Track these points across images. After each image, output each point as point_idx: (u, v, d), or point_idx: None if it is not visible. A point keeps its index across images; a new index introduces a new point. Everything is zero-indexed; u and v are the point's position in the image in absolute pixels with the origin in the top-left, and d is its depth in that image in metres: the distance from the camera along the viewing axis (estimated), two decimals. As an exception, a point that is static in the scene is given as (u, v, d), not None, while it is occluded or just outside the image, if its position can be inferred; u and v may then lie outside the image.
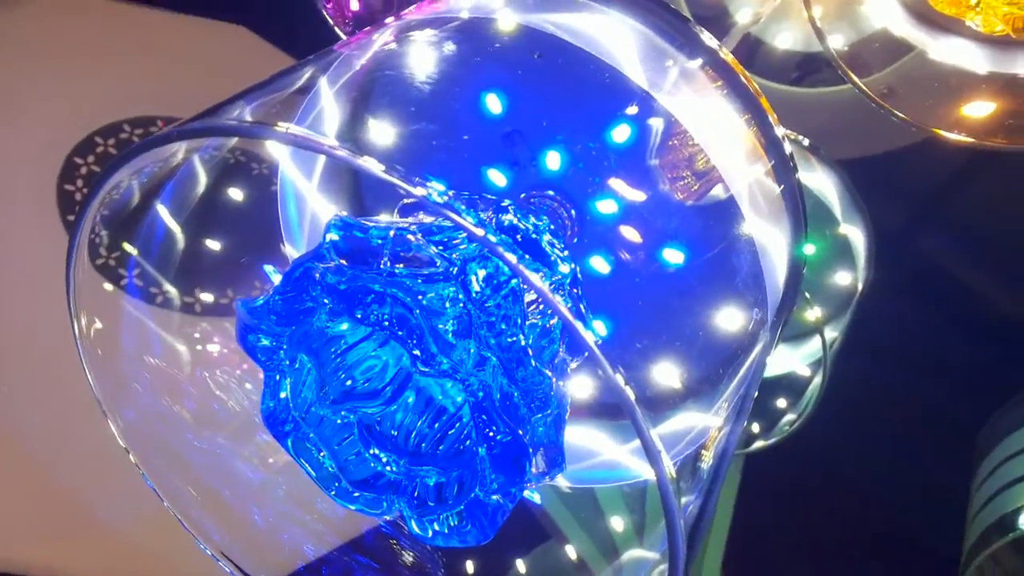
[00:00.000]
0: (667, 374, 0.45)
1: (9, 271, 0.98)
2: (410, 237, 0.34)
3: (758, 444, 0.98)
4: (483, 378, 0.35)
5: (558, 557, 0.57)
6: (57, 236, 1.00)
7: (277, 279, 0.48)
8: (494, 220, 0.41)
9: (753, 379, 0.41)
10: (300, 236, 0.53)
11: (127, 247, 0.44)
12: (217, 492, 0.46)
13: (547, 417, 0.38)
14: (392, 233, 0.34)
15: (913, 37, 0.71)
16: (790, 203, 0.43)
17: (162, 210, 0.46)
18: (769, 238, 0.42)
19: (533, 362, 0.35)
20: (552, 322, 0.39)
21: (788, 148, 0.44)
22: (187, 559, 0.90)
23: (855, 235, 0.97)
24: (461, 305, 0.35)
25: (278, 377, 0.41)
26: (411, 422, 0.41)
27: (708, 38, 0.42)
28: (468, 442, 0.40)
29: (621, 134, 0.44)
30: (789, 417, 0.98)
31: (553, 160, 0.47)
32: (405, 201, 0.41)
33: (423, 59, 0.45)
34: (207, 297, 0.48)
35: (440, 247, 0.37)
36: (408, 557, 0.48)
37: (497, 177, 0.48)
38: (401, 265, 0.36)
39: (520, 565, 0.52)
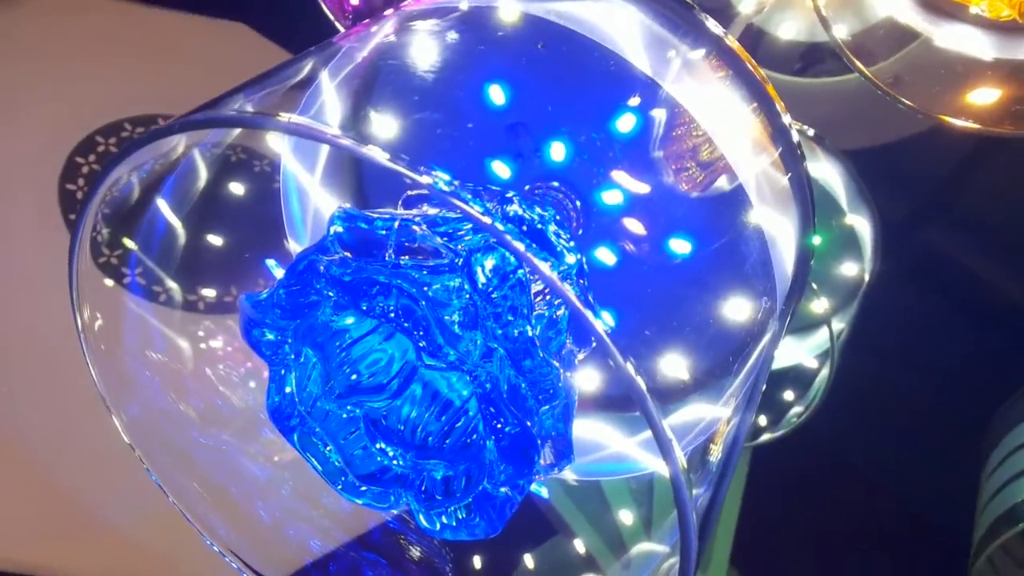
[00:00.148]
0: (675, 365, 0.45)
1: (11, 271, 0.98)
2: (415, 228, 0.34)
3: (765, 436, 0.98)
4: (490, 369, 0.34)
5: (566, 552, 0.57)
6: (59, 235, 1.00)
7: (280, 273, 0.48)
8: (499, 211, 0.41)
9: (762, 368, 0.41)
10: (303, 231, 0.53)
11: (128, 242, 0.43)
12: (223, 489, 0.46)
13: (555, 409, 0.37)
14: (397, 224, 0.34)
15: (918, 24, 0.70)
16: (798, 191, 0.43)
17: (163, 206, 0.46)
18: (777, 226, 0.42)
19: (540, 353, 0.35)
20: (559, 313, 0.39)
21: (796, 136, 0.43)
22: (190, 558, 0.90)
23: (861, 225, 0.96)
24: (467, 296, 0.35)
25: (283, 372, 0.40)
26: (417, 416, 0.41)
27: (713, 25, 0.42)
28: (475, 436, 0.40)
29: (626, 123, 0.44)
30: (796, 409, 0.97)
31: (557, 151, 0.46)
32: (409, 193, 0.41)
33: (424, 50, 0.45)
34: (209, 293, 0.48)
35: (445, 238, 0.36)
36: (416, 552, 0.48)
37: (501, 169, 0.48)
38: (406, 257, 0.35)
39: (528, 560, 0.52)
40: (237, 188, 0.51)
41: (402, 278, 0.33)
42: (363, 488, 0.40)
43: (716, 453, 0.41)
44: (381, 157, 0.25)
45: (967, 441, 1.25)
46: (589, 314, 0.26)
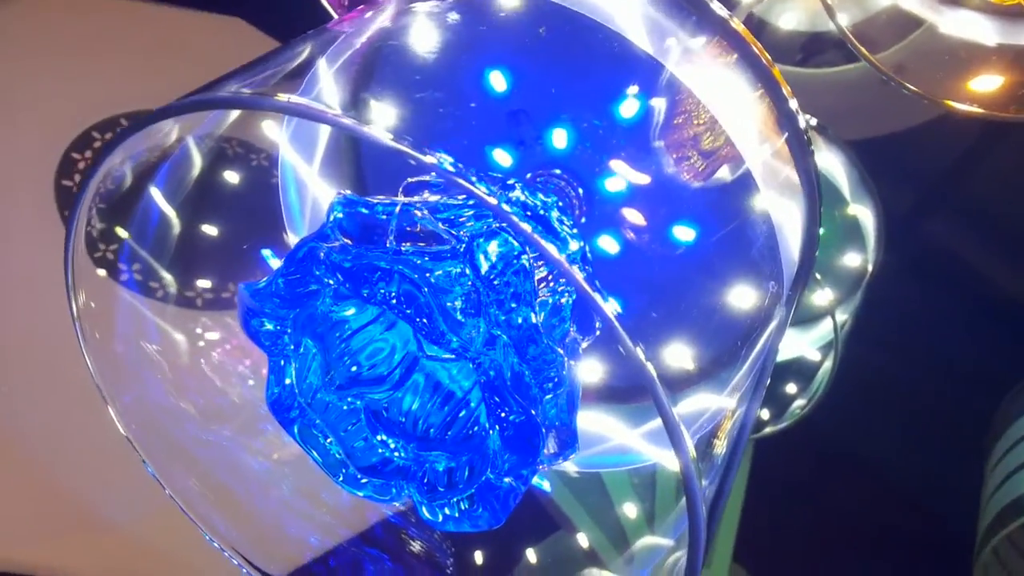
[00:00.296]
0: (680, 354, 0.44)
1: (8, 267, 0.98)
2: (416, 212, 0.33)
3: (768, 429, 0.97)
4: (493, 357, 0.34)
5: (568, 546, 0.57)
6: (56, 232, 0.99)
7: (276, 264, 0.47)
8: (502, 196, 0.40)
9: (768, 357, 0.40)
10: (302, 223, 0.52)
11: (120, 231, 0.43)
12: (222, 484, 0.45)
13: (558, 398, 0.37)
14: (398, 209, 0.33)
15: (922, 12, 0.70)
16: (804, 177, 0.42)
17: (157, 195, 0.45)
18: (783, 212, 0.41)
19: (544, 340, 0.34)
20: (563, 300, 0.38)
21: (803, 122, 0.43)
22: (190, 558, 0.89)
23: (864, 215, 0.96)
24: (469, 283, 0.34)
25: (282, 363, 0.40)
26: (419, 407, 0.40)
27: (718, 7, 0.41)
28: (476, 427, 0.39)
29: (630, 108, 0.43)
30: (800, 402, 0.97)
31: (560, 138, 0.46)
32: (409, 180, 0.40)
33: (425, 36, 0.44)
34: (205, 283, 0.48)
35: (447, 225, 0.36)
36: (417, 547, 0.48)
37: (502, 157, 0.47)
38: (407, 244, 0.35)
39: (531, 554, 0.51)
40: (234, 183, 0.51)
41: (404, 264, 0.32)
42: (364, 480, 0.40)
43: (721, 444, 0.41)
44: (384, 137, 0.25)
45: (971, 433, 1.25)
46: (598, 297, 0.25)
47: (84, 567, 0.91)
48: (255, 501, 0.47)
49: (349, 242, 0.35)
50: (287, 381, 0.40)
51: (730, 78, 0.42)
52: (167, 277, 0.46)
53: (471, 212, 0.37)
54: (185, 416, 0.46)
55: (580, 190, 0.46)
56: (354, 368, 0.40)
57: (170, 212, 0.44)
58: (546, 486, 0.53)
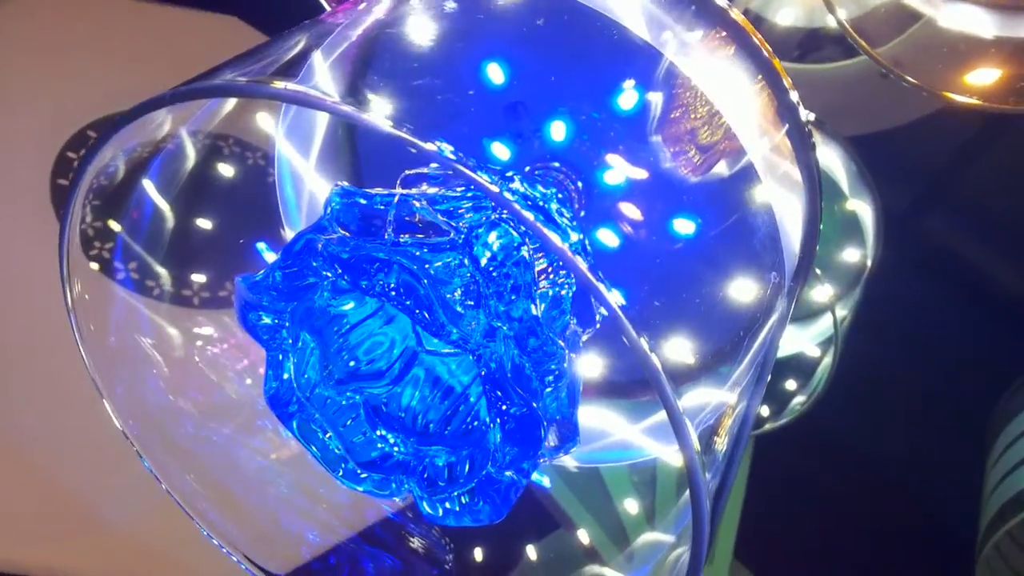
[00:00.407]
0: (683, 347, 0.44)
1: (5, 267, 0.97)
2: (415, 203, 0.33)
3: (768, 426, 0.97)
4: (494, 349, 0.33)
5: (569, 544, 0.57)
6: (52, 231, 0.98)
7: (272, 257, 0.47)
8: (503, 186, 0.40)
9: (771, 348, 0.40)
10: (299, 218, 0.52)
11: (112, 224, 0.42)
12: (220, 481, 0.45)
13: (559, 391, 0.36)
14: (396, 199, 0.33)
15: (920, 6, 0.70)
16: (805, 167, 0.42)
17: (155, 195, 0.45)
18: (784, 202, 0.41)
19: (545, 331, 0.34)
20: (563, 292, 0.38)
21: (803, 113, 0.42)
22: (189, 558, 0.89)
23: (863, 210, 0.96)
24: (469, 275, 0.34)
25: (280, 357, 0.39)
26: (418, 402, 0.40)
27: (717, -3, 0.41)
28: (476, 422, 0.39)
29: (629, 100, 0.43)
30: (799, 398, 0.96)
31: (558, 130, 0.45)
32: (407, 172, 0.40)
33: (420, 27, 0.44)
34: (199, 278, 0.47)
35: (445, 217, 0.35)
36: (417, 545, 0.47)
37: (500, 151, 0.47)
38: (406, 235, 0.34)
39: (531, 552, 0.51)
40: (231, 180, 0.51)
41: (402, 255, 0.32)
42: (364, 475, 0.39)
43: (723, 439, 0.41)
44: (383, 124, 0.24)
45: (971, 428, 1.24)
46: (602, 287, 0.25)
47: (82, 567, 0.91)
48: (253, 498, 0.46)
49: (347, 234, 0.34)
50: (285, 376, 0.40)
51: (730, 69, 0.42)
52: (162, 272, 0.45)
53: (469, 204, 0.37)
54: (183, 413, 0.45)
55: (579, 183, 0.45)
56: (352, 363, 0.40)
57: (165, 207, 0.44)
58: (546, 482, 0.53)
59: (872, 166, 0.98)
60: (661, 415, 0.51)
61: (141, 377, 0.44)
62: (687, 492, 0.43)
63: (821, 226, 0.42)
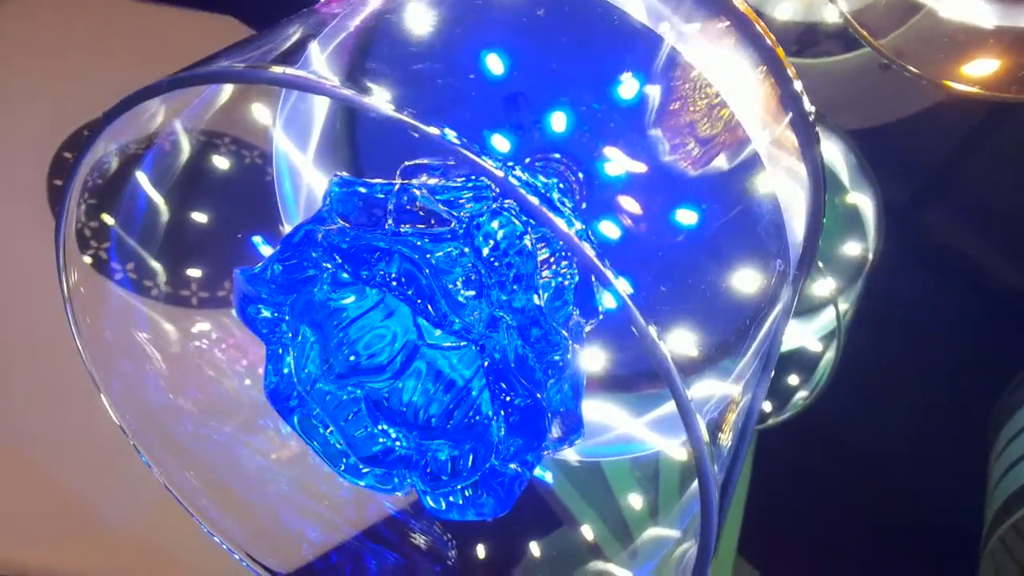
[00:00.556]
0: (687, 338, 0.43)
1: (2, 268, 0.97)
2: (416, 191, 0.32)
3: (771, 421, 0.97)
4: (497, 339, 0.33)
5: (573, 541, 0.56)
6: (49, 232, 0.98)
7: (269, 252, 0.46)
8: (507, 172, 0.39)
9: (775, 338, 0.39)
10: (297, 214, 0.52)
11: (107, 218, 0.42)
12: (220, 479, 0.45)
13: (563, 382, 0.36)
14: (397, 187, 0.32)
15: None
16: (809, 156, 0.42)
17: (154, 194, 0.45)
18: (788, 190, 0.40)
19: (548, 321, 0.33)
20: (566, 282, 0.37)
21: (807, 102, 0.42)
22: (190, 558, 0.88)
23: (864, 203, 0.95)
24: (470, 264, 0.33)
25: (280, 351, 0.39)
26: (420, 396, 0.40)
27: (719, -16, 0.40)
28: (478, 416, 0.38)
29: (631, 89, 0.42)
30: (802, 393, 0.96)
31: (559, 121, 0.45)
32: (406, 163, 0.39)
33: (419, 17, 0.43)
34: (195, 273, 0.47)
35: (446, 207, 0.35)
36: (419, 542, 0.47)
37: (500, 142, 0.46)
38: (407, 226, 0.34)
39: (535, 548, 0.51)
40: (228, 180, 0.50)
41: (403, 244, 0.31)
42: (365, 470, 0.39)
43: (728, 432, 0.40)
44: (385, 108, 0.24)
45: (974, 422, 1.24)
46: (610, 274, 0.24)
47: (82, 568, 0.90)
48: (254, 496, 0.46)
49: (347, 225, 0.34)
50: (285, 370, 0.39)
51: (733, 58, 0.42)
52: (158, 269, 0.45)
53: (470, 194, 0.37)
54: (182, 411, 0.45)
55: (580, 174, 0.45)
56: (352, 357, 0.40)
57: (161, 203, 0.44)
58: (548, 478, 0.52)
59: (872, 159, 0.97)
60: (664, 408, 0.51)
61: (140, 375, 0.44)
62: (692, 487, 0.43)
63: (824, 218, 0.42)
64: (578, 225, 0.37)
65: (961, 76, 0.65)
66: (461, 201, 0.36)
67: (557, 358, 0.34)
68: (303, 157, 0.50)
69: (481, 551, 0.48)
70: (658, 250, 0.44)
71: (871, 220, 0.96)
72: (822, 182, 0.41)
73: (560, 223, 0.24)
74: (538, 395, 0.33)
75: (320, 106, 0.50)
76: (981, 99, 0.64)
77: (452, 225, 0.33)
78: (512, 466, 0.35)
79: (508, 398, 0.33)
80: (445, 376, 0.40)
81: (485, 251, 0.33)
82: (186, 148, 0.45)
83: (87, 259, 0.41)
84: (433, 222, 0.33)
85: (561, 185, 0.42)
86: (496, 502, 0.36)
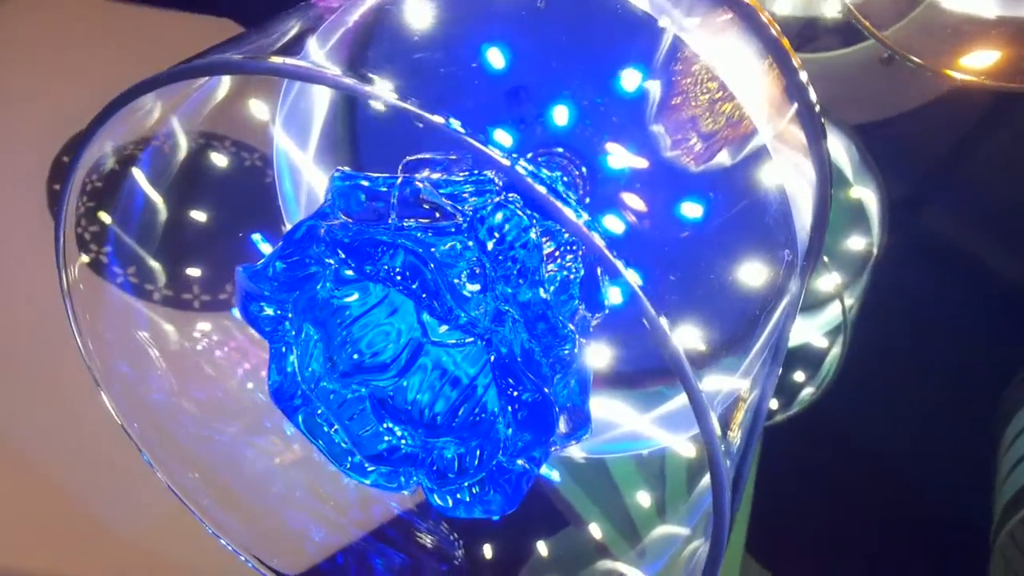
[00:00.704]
0: (695, 331, 0.43)
1: (2, 272, 0.96)
2: (419, 184, 0.32)
3: (778, 418, 0.96)
4: (503, 334, 0.33)
5: (581, 540, 0.56)
6: (49, 236, 0.98)
7: (268, 249, 0.46)
8: (502, 175, 0.39)
9: (784, 330, 0.39)
10: (298, 213, 0.51)
11: (104, 216, 0.42)
12: (223, 479, 0.44)
13: (569, 378, 0.35)
14: (399, 180, 0.32)
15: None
16: (815, 147, 0.41)
17: (153, 193, 0.44)
18: (795, 181, 0.40)
19: (555, 315, 0.33)
20: (571, 276, 0.37)
21: (813, 93, 0.42)
22: (194, 563, 0.88)
23: (868, 197, 0.95)
24: (474, 259, 0.33)
25: (284, 349, 0.38)
26: (425, 394, 0.39)
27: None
28: (483, 414, 0.38)
29: (634, 80, 0.42)
30: (808, 389, 0.96)
31: (561, 115, 0.44)
32: (408, 159, 0.39)
33: (419, 11, 0.43)
34: (198, 276, 0.47)
35: (450, 200, 0.34)
36: (426, 541, 0.47)
37: (502, 138, 0.46)
38: (410, 220, 0.33)
39: (542, 548, 0.50)
40: (228, 182, 0.50)
41: (407, 238, 0.31)
42: (371, 469, 0.38)
43: (737, 428, 0.40)
44: (389, 96, 0.23)
45: (981, 416, 1.23)
46: (620, 264, 0.24)
47: (84, 572, 0.90)
48: (258, 497, 0.46)
49: (349, 220, 0.33)
50: (288, 369, 0.39)
51: (738, 48, 0.41)
52: (157, 267, 0.45)
53: (472, 188, 0.36)
54: (184, 412, 0.45)
55: (583, 169, 0.44)
56: (356, 356, 0.39)
57: (160, 204, 0.43)
58: (555, 476, 0.52)
59: (875, 153, 0.97)
60: (670, 405, 0.50)
61: (142, 376, 0.43)
62: (700, 484, 0.42)
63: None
64: (585, 216, 0.37)
65: (965, 67, 0.65)
66: (464, 195, 0.36)
67: (565, 352, 0.34)
68: (303, 155, 0.50)
69: (488, 551, 0.48)
70: (664, 244, 0.43)
71: (875, 214, 0.95)
72: (828, 172, 0.41)
73: (568, 212, 0.24)
74: (545, 389, 0.32)
75: (320, 104, 0.49)
76: (985, 91, 0.64)
77: (456, 219, 0.33)
78: (520, 462, 0.35)
79: (515, 393, 0.33)
80: (450, 374, 0.40)
81: (490, 245, 0.33)
82: (185, 148, 0.45)
83: (87, 262, 0.41)
84: (438, 215, 0.33)
85: (565, 179, 0.41)
86: (503, 499, 0.35)
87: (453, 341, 0.40)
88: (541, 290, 0.33)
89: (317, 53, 0.41)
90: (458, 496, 0.36)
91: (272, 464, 0.47)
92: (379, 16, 0.43)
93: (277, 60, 0.25)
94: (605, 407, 0.50)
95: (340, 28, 0.42)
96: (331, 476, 0.45)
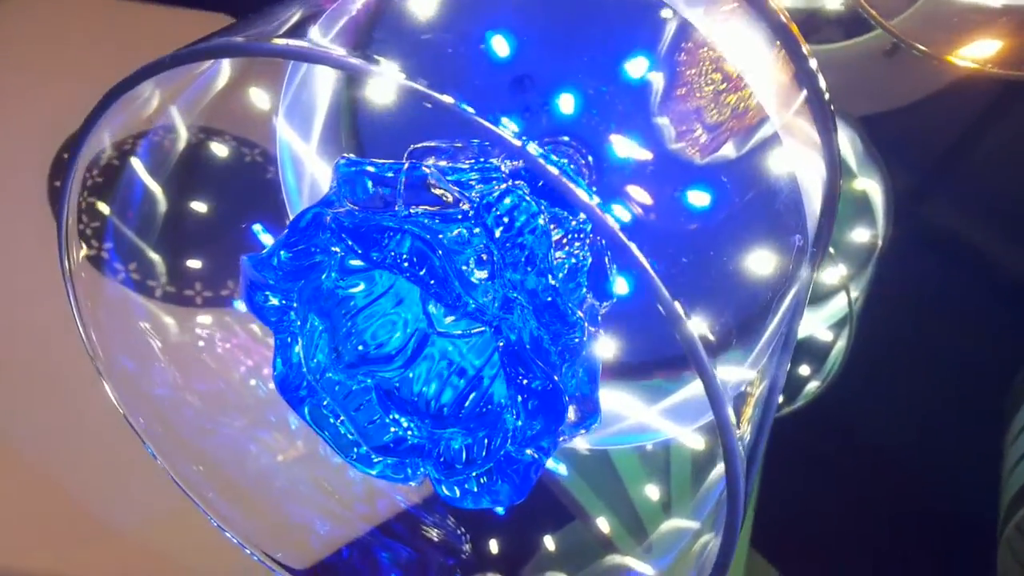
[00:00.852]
0: (705, 320, 0.42)
1: (2, 269, 0.96)
2: (425, 169, 0.32)
3: (784, 411, 0.96)
4: (512, 321, 0.32)
5: (587, 534, 0.55)
6: (50, 233, 0.97)
7: (268, 239, 0.46)
8: (509, 163, 0.39)
9: (795, 317, 0.39)
10: (302, 205, 0.51)
11: (103, 208, 0.41)
12: (228, 474, 0.44)
13: (577, 368, 0.35)
14: (406, 166, 0.32)
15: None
16: (824, 133, 0.41)
17: (155, 186, 0.44)
18: (805, 166, 0.39)
19: (564, 302, 0.32)
20: (579, 263, 0.37)
21: (822, 80, 0.41)
22: (198, 562, 0.88)
23: (872, 189, 0.94)
24: (482, 245, 0.32)
25: (289, 340, 0.38)
26: (431, 385, 0.39)
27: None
28: (490, 405, 0.37)
29: (642, 66, 0.41)
30: (814, 383, 0.95)
31: (567, 103, 0.44)
32: (414, 146, 0.38)
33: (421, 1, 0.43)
34: (196, 266, 0.47)
35: (457, 188, 0.34)
36: (432, 535, 0.46)
37: (508, 126, 0.45)
38: (417, 207, 0.33)
39: (549, 542, 0.50)
40: (230, 175, 0.50)
41: (414, 224, 0.31)
42: (377, 460, 0.38)
43: (748, 421, 0.39)
44: (397, 77, 0.23)
45: (988, 408, 1.23)
46: (634, 247, 0.24)
47: (84, 572, 0.90)
48: (262, 490, 0.45)
49: (355, 208, 0.33)
50: (294, 360, 0.38)
51: (746, 35, 0.41)
52: (157, 259, 0.44)
53: (478, 176, 0.36)
54: (188, 406, 0.44)
55: (589, 157, 0.44)
56: (361, 347, 0.39)
57: (161, 197, 0.43)
58: (562, 469, 0.52)
59: (879, 145, 0.96)
60: (676, 397, 0.50)
61: (145, 371, 0.43)
62: (709, 477, 0.42)
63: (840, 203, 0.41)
64: (597, 199, 0.37)
65: (972, 56, 0.64)
66: (470, 183, 0.35)
67: (574, 340, 0.34)
68: (306, 147, 0.49)
69: (494, 545, 0.47)
70: (673, 232, 0.43)
71: (880, 206, 0.95)
72: (838, 159, 0.41)
73: (581, 193, 0.23)
74: (555, 377, 0.32)
75: (323, 95, 0.49)
76: (989, 82, 0.64)
77: (463, 205, 0.33)
78: (528, 452, 0.34)
79: (525, 381, 0.32)
80: (456, 364, 0.39)
81: (498, 232, 0.32)
82: (185, 140, 0.45)
83: (89, 259, 0.41)
84: (448, 199, 0.32)
85: (572, 167, 0.41)
86: (512, 489, 0.35)
87: (459, 332, 0.39)
88: (550, 277, 0.33)
89: (320, 39, 0.40)
90: (466, 486, 0.35)
91: (277, 457, 0.46)
92: (382, 4, 0.42)
93: (281, 42, 0.24)
94: (611, 398, 0.49)
95: (343, 17, 0.41)
96: (336, 470, 0.45)
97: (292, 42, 0.25)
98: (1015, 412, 1.17)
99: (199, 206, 0.47)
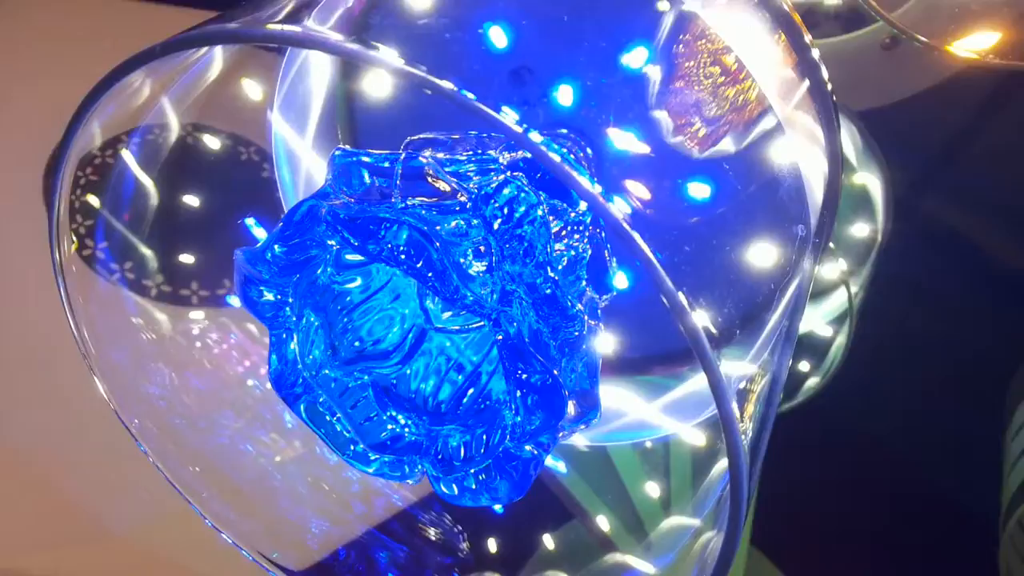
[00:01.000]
0: (707, 312, 0.42)
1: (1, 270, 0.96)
2: (422, 159, 0.31)
3: (784, 407, 0.95)
4: (511, 314, 0.31)
5: (587, 533, 0.55)
6: (45, 231, 0.97)
7: (261, 234, 0.45)
8: (507, 155, 0.38)
9: (797, 308, 0.38)
10: (296, 200, 0.50)
11: (94, 203, 0.41)
12: (224, 475, 0.44)
13: (576, 362, 0.34)
14: (402, 156, 0.31)
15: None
16: (827, 124, 0.40)
17: (146, 179, 0.43)
18: (807, 157, 0.39)
19: (563, 295, 0.32)
20: (578, 256, 0.36)
21: (824, 71, 0.41)
22: (194, 562, 0.87)
23: (872, 183, 0.94)
24: (480, 237, 0.32)
25: (284, 336, 0.37)
26: (428, 382, 0.38)
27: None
28: (488, 402, 0.37)
29: (641, 57, 0.41)
30: (814, 379, 0.95)
31: (566, 95, 0.43)
32: (411, 138, 0.38)
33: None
34: (189, 260, 0.46)
35: (455, 179, 0.33)
36: (430, 534, 0.46)
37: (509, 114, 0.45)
38: (413, 199, 0.32)
39: (548, 540, 0.50)
40: (224, 173, 0.49)
41: (411, 215, 0.30)
42: (374, 458, 0.37)
43: (750, 417, 0.39)
44: (396, 62, 0.22)
45: (988, 403, 1.23)
46: (637, 236, 0.23)
47: (84, 572, 0.89)
48: (257, 490, 0.45)
49: (351, 200, 0.32)
50: (289, 356, 0.38)
51: (749, 24, 0.40)
52: (149, 254, 0.44)
53: (475, 167, 0.35)
54: (184, 406, 0.44)
55: (589, 150, 0.43)
56: (357, 343, 0.38)
57: (150, 186, 0.43)
58: (561, 467, 0.51)
59: (879, 139, 0.96)
60: (677, 392, 0.50)
61: (140, 370, 0.43)
62: (710, 474, 0.42)
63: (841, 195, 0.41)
64: (599, 187, 0.36)
65: (973, 48, 0.64)
66: (468, 174, 0.35)
67: (573, 333, 0.33)
68: (301, 141, 0.49)
69: (492, 544, 0.47)
70: (674, 224, 0.43)
71: (879, 200, 0.95)
72: (840, 150, 0.40)
73: (583, 180, 0.23)
74: (555, 371, 0.31)
75: (318, 88, 0.48)
76: (987, 76, 0.63)
77: (461, 197, 0.32)
78: (528, 448, 0.34)
79: (524, 376, 0.32)
80: (453, 360, 0.39)
81: (496, 223, 0.32)
82: (176, 134, 0.44)
83: (83, 259, 0.40)
84: (445, 190, 0.32)
85: (572, 158, 0.40)
86: (511, 485, 0.34)
87: (457, 327, 0.39)
88: (549, 269, 0.32)
89: (316, 26, 0.40)
90: (464, 484, 0.35)
91: (273, 457, 0.46)
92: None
93: (276, 27, 0.24)
94: (610, 394, 0.49)
95: (338, 8, 0.41)
96: (333, 469, 0.44)
97: (287, 27, 0.24)
98: (1015, 406, 1.16)
99: (192, 201, 0.46)
